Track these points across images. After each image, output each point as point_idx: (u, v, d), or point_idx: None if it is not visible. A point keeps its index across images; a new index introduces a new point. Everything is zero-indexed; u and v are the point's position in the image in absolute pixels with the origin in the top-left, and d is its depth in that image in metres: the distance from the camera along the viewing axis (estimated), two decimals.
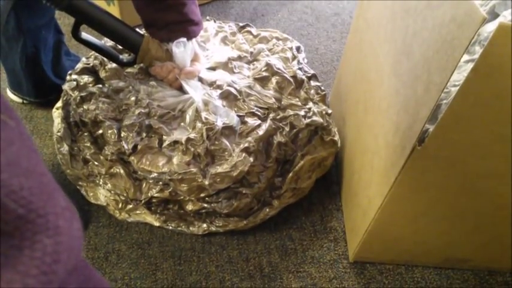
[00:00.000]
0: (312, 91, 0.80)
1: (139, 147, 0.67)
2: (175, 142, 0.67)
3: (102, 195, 0.72)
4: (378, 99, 0.66)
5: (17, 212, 0.18)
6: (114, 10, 1.20)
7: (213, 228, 0.72)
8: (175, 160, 0.66)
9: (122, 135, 0.67)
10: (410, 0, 0.56)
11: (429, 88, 0.49)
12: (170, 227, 0.72)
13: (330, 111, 0.79)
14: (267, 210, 0.72)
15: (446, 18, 0.46)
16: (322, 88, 0.82)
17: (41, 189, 0.20)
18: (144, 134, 0.68)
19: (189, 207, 0.69)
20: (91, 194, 0.73)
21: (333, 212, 0.81)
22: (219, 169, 0.65)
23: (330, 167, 0.80)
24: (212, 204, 0.68)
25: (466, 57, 0.63)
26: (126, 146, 0.67)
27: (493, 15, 0.66)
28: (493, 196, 0.58)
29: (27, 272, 0.18)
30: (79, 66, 0.78)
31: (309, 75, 0.82)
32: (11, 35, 0.82)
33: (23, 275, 0.18)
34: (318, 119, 0.74)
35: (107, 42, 0.78)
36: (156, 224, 0.71)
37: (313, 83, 0.81)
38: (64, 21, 1.15)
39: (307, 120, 0.73)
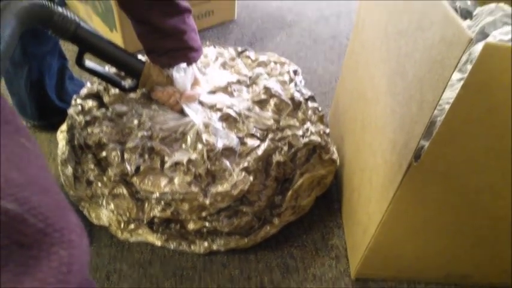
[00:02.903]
0: (310, 112, 0.82)
1: (141, 168, 0.68)
2: (177, 163, 0.69)
3: (104, 215, 0.73)
4: (375, 117, 0.68)
5: (36, 226, 0.20)
6: (116, 37, 1.24)
7: (215, 247, 0.72)
8: (176, 180, 0.67)
9: (125, 157, 0.69)
10: (402, 22, 0.59)
11: (422, 106, 0.51)
12: (172, 246, 0.72)
13: (327, 130, 0.81)
14: (268, 228, 0.73)
15: (436, 40, 0.48)
16: (320, 109, 0.84)
17: (56, 206, 0.22)
18: (146, 156, 0.69)
19: (191, 226, 0.70)
20: (93, 214, 0.74)
21: (334, 230, 0.81)
22: (220, 188, 0.67)
23: (330, 185, 0.81)
24: (213, 223, 0.69)
25: (458, 75, 0.65)
26: (129, 168, 0.68)
27: (483, 35, 0.69)
28: (491, 211, 0.59)
29: (46, 280, 0.20)
30: (84, 91, 0.80)
31: (307, 97, 0.84)
32: (17, 61, 0.85)
33: (42, 283, 0.20)
34: (315, 138, 0.76)
35: (110, 69, 0.81)
36: (158, 243, 0.72)
37: (310, 104, 0.83)
38: (68, 46, 1.19)
39: (305, 140, 0.74)
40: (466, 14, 0.76)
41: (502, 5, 0.71)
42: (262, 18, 1.52)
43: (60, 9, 0.63)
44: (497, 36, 0.66)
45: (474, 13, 0.73)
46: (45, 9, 0.61)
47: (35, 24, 0.62)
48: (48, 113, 0.96)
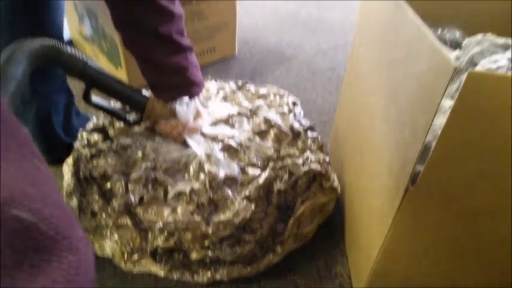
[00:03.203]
0: (309, 141, 0.84)
1: (145, 198, 0.70)
2: (180, 193, 0.70)
3: (108, 246, 0.74)
4: (372, 144, 0.70)
5: (48, 234, 0.23)
6: (121, 74, 1.29)
7: (218, 277, 0.72)
8: (179, 210, 0.68)
9: (129, 188, 0.71)
10: (393, 53, 0.62)
11: (415, 132, 0.53)
12: (175, 277, 0.73)
13: (327, 158, 0.83)
14: (271, 256, 0.74)
15: (424, 69, 0.50)
16: (319, 138, 0.86)
17: (65, 218, 0.25)
18: (150, 186, 0.71)
19: (194, 255, 0.70)
20: (97, 245, 0.75)
21: (337, 258, 0.81)
22: (222, 217, 0.68)
23: (332, 213, 0.82)
24: (216, 252, 0.69)
25: (450, 102, 0.68)
26: (133, 198, 0.70)
27: (473, 64, 0.72)
28: (490, 233, 0.60)
29: (56, 279, 0.23)
30: (90, 125, 0.83)
31: (306, 127, 0.86)
32: (26, 99, 0.88)
33: (53, 282, 0.22)
34: (315, 166, 0.77)
35: (115, 103, 0.84)
36: (161, 274, 0.72)
37: (310, 133, 0.86)
38: (74, 83, 1.23)
39: (305, 168, 0.76)
40: (456, 45, 0.79)
41: (488, 35, 0.74)
42: (262, 53, 1.58)
43: (68, 48, 0.67)
44: (485, 65, 0.69)
45: (463, 44, 0.76)
46: (55, 50, 0.65)
47: (45, 64, 0.65)
48: (54, 148, 0.98)
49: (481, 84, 0.43)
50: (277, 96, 0.93)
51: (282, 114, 0.87)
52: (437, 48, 0.47)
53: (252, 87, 0.96)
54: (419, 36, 0.52)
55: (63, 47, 0.66)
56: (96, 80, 0.72)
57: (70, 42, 1.54)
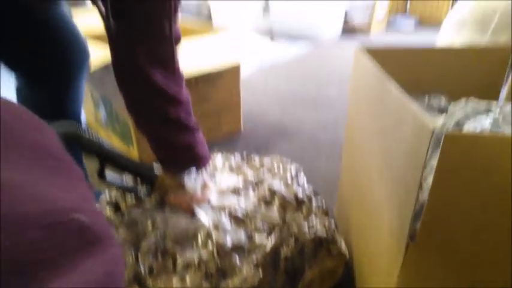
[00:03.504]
0: (314, 207, 0.87)
1: (154, 268, 0.72)
2: (189, 262, 0.72)
3: None
4: (372, 206, 0.73)
5: (97, 234, 0.31)
6: (133, 152, 1.36)
7: None
8: (188, 279, 0.70)
9: (139, 258, 0.73)
10: (383, 120, 0.67)
11: (408, 192, 0.56)
12: None
13: (333, 223, 0.85)
14: None
15: (408, 134, 0.55)
16: (324, 204, 0.89)
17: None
18: (159, 256, 0.73)
19: None
20: None
21: None
22: (230, 284, 0.69)
23: (343, 274, 0.82)
24: None
25: None
26: (142, 269, 0.71)
27: (459, 126, 0.77)
28: (496, 283, 0.60)
29: (102, 266, 0.30)
30: (102, 199, 0.87)
31: (310, 194, 0.90)
32: None
33: (101, 265, 0.30)
34: (321, 232, 0.80)
35: (126, 176, 0.89)
36: None
37: (314, 200, 0.89)
38: (87, 163, 1.30)
39: (311, 234, 0.78)
40: (442, 110, 0.85)
41: (471, 99, 0.80)
42: (265, 129, 1.66)
43: (85, 132, 0.74)
44: (470, 128, 0.74)
45: (448, 109, 0.82)
46: (75, 135, 0.73)
47: (65, 146, 0.72)
48: None
49: (458, 144, 0.48)
50: (281, 166, 0.98)
51: (286, 183, 0.91)
52: (418, 114, 0.53)
53: (256, 159, 1.02)
54: (402, 105, 0.58)
55: (81, 131, 0.74)
56: (110, 159, 0.78)
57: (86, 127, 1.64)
